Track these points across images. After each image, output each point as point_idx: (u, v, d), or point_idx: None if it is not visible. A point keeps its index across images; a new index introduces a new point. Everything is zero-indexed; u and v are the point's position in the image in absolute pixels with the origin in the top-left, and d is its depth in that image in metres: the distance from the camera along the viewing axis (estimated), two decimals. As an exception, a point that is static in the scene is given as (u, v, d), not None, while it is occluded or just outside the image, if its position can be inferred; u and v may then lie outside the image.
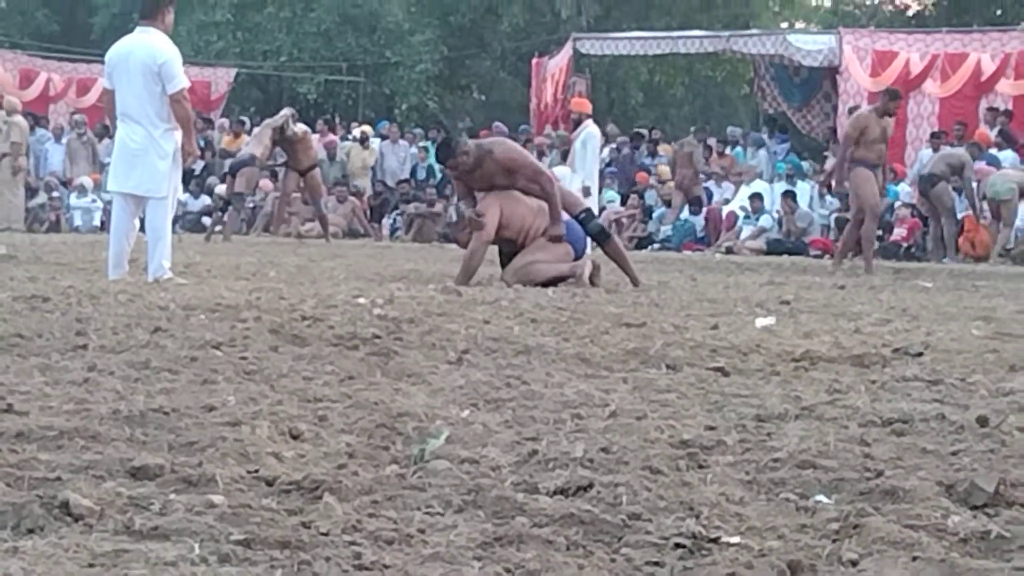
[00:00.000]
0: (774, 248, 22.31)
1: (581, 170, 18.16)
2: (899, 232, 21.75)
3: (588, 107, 20.30)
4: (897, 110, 16.56)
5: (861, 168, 15.44)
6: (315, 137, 23.31)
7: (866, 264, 15.85)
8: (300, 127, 20.66)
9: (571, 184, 15.77)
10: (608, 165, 25.67)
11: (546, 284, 10.74)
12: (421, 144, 28.57)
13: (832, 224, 23.24)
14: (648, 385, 5.05)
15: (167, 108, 10.36)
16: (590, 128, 19.02)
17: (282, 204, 21.83)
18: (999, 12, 35.07)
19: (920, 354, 6.12)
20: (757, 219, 23.31)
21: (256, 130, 22.08)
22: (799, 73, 27.28)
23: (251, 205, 25.48)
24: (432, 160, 27.50)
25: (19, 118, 24.38)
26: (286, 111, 20.84)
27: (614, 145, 26.76)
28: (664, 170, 25.98)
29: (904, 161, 23.50)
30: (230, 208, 22.06)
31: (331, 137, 28.26)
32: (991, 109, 23.09)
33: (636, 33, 30.08)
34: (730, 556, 2.63)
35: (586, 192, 16.56)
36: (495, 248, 11.43)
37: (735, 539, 2.76)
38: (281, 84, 37.90)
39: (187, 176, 20.76)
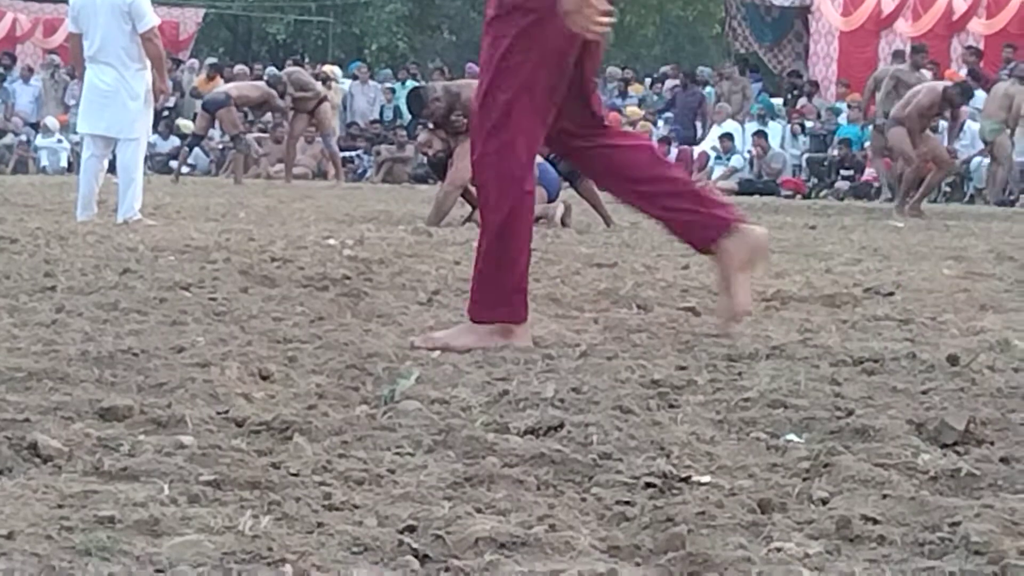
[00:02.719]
0: (745, 188, 22.31)
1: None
2: (870, 172, 21.78)
3: None
4: (961, 105, 16.48)
5: (898, 128, 15.55)
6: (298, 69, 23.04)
7: (900, 204, 15.82)
8: (293, 77, 20.54)
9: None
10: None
11: (517, 225, 10.71)
12: (387, 85, 28.42)
13: (804, 164, 23.25)
14: (619, 325, 5.05)
15: (138, 47, 10.30)
16: None
17: (290, 147, 21.67)
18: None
19: (891, 293, 6.13)
20: (728, 159, 23.30)
21: (251, 82, 21.97)
22: (770, 12, 27.24)
23: (220, 146, 25.38)
24: (398, 101, 27.39)
25: None
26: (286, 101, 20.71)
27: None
28: (633, 111, 25.87)
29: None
30: (233, 151, 21.91)
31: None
32: (969, 48, 23.06)
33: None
34: (701, 495, 2.63)
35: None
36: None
37: (706, 478, 2.77)
38: (250, 24, 37.69)
39: (156, 117, 20.67)
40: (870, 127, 21.35)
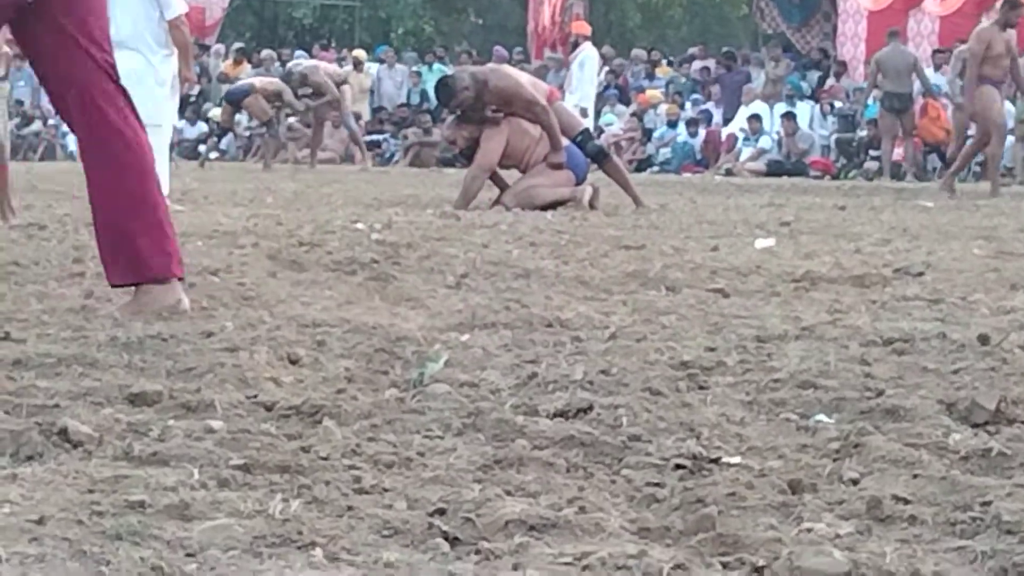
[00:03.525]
0: (774, 169, 22.24)
1: (579, 91, 18.14)
2: (899, 152, 21.69)
3: (587, 30, 20.26)
4: (1019, 20, 15.79)
5: (986, 86, 14.89)
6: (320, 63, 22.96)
7: (993, 187, 15.22)
8: (306, 67, 20.55)
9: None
10: (607, 88, 25.55)
11: (545, 208, 10.71)
12: (414, 69, 28.41)
13: (832, 144, 23.17)
14: (648, 307, 5.04)
15: (165, 34, 10.32)
16: (588, 50, 19.02)
17: (316, 132, 21.71)
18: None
19: (921, 273, 6.10)
20: (756, 140, 23.23)
21: (271, 78, 22.06)
22: (798, -8, 27.14)
23: (247, 133, 25.44)
24: (425, 85, 27.38)
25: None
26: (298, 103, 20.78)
27: (609, 68, 26.59)
28: (653, 94, 25.75)
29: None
30: (263, 137, 22.02)
31: (327, 54, 28.08)
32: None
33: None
34: (731, 476, 2.62)
35: (582, 114, 16.51)
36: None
37: (736, 459, 2.76)
38: (276, 9, 37.73)
39: (183, 103, 20.73)
40: (877, 106, 21.23)
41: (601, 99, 24.84)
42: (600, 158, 11.68)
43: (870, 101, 21.83)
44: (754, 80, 25.51)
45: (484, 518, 2.31)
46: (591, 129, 14.86)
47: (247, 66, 27.60)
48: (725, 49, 28.31)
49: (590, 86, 18.71)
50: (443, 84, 11.41)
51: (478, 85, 10.90)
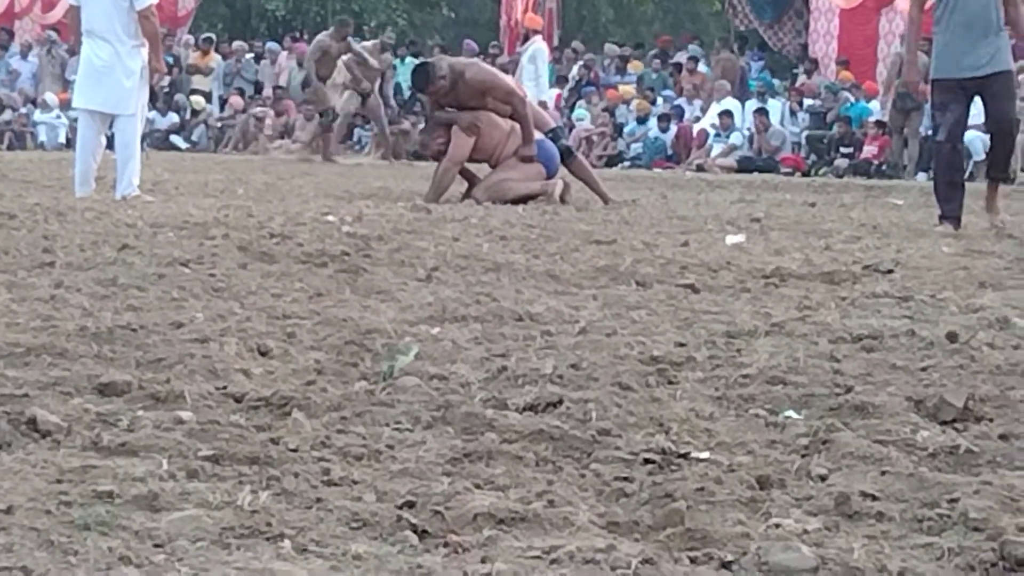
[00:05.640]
0: (745, 166, 22.27)
1: (533, 85, 18.22)
2: (869, 150, 21.74)
3: (538, 23, 20.32)
4: None
5: None
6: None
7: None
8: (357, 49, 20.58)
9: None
10: (579, 82, 25.54)
11: (516, 202, 10.71)
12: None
13: (803, 142, 23.21)
14: (618, 302, 5.05)
15: (135, 24, 10.27)
16: (538, 44, 19.09)
17: (340, 127, 21.63)
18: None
19: (890, 271, 6.12)
20: (727, 136, 23.25)
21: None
22: (770, -11, 27.17)
23: (219, 124, 25.35)
24: (399, 78, 27.30)
25: None
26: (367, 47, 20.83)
27: (582, 62, 26.58)
28: (626, 89, 25.73)
29: (876, 79, 23.42)
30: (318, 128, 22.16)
31: (300, 46, 27.93)
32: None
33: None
34: (699, 471, 2.63)
35: (542, 107, 16.52)
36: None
37: (704, 454, 2.77)
38: (249, 0, 37.59)
39: (154, 93, 20.62)
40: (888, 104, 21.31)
41: (576, 94, 24.90)
42: (565, 156, 11.69)
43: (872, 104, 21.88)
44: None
45: (453, 511, 2.31)
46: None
47: (214, 55, 27.56)
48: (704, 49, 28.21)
49: (544, 79, 18.72)
50: (421, 69, 11.40)
51: (455, 75, 10.91)
